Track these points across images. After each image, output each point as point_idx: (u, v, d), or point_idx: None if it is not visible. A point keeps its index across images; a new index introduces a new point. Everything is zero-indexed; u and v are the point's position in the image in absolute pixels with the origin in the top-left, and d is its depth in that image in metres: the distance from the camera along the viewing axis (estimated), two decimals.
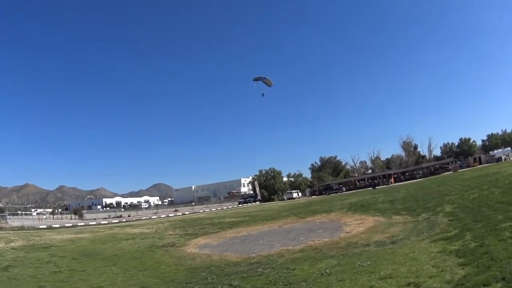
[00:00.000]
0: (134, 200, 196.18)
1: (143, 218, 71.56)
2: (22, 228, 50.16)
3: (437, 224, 18.78)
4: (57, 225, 56.41)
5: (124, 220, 68.04)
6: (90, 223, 61.15)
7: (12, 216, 77.31)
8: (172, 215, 76.77)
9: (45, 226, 53.62)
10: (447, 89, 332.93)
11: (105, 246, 27.24)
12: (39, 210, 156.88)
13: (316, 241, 19.44)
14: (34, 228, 49.86)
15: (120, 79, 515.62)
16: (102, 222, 62.26)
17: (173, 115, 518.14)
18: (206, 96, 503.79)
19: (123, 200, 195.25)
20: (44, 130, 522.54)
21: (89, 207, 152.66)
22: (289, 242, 20.39)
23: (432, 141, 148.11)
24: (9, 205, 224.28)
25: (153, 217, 73.50)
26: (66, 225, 58.01)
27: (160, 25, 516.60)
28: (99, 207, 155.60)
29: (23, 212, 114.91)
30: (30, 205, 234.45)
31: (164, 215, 75.92)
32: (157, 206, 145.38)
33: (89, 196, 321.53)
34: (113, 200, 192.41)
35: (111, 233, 37.42)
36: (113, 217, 78.93)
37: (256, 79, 35.91)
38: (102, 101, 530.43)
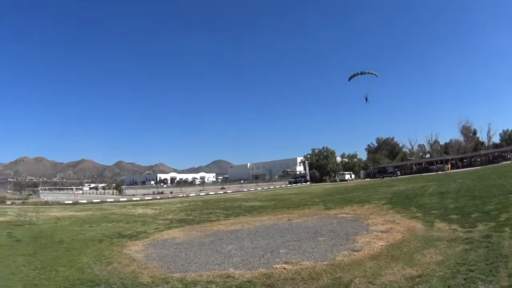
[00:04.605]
0: (190, 176, 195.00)
1: (180, 195, 67.41)
2: (46, 203, 49.95)
3: (502, 255, 10.07)
4: (84, 201, 53.81)
5: (158, 197, 64.35)
6: (121, 200, 58.44)
7: (46, 191, 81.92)
8: (212, 193, 72.88)
9: (70, 202, 51.59)
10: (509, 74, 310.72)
11: (78, 228, 23.73)
12: (92, 185, 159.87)
13: (291, 265, 11.62)
14: (57, 203, 49.75)
15: (185, 52, 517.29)
16: (134, 199, 59.93)
17: (237, 91, 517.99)
18: (271, 74, 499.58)
19: (178, 176, 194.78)
20: (103, 104, 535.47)
21: (143, 183, 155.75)
22: (256, 258, 12.99)
23: (491, 127, 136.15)
24: (64, 180, 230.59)
25: (191, 194, 69.49)
26: (94, 200, 55.11)
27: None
28: (152, 182, 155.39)
29: (75, 187, 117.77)
30: (86, 180, 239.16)
31: (204, 193, 71.83)
32: (211, 183, 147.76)
33: (147, 172, 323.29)
34: (168, 176, 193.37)
35: (112, 212, 34.68)
36: (155, 193, 76.22)
37: (353, 76, 33.22)
38: (166, 76, 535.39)
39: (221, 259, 13.22)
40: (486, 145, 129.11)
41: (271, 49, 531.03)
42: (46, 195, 67.53)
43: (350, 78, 34.92)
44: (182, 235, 19.93)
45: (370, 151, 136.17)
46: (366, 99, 35.51)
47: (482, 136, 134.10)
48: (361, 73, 33.64)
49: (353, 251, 12.75)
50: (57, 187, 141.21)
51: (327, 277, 9.97)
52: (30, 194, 71.73)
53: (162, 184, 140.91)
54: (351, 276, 9.77)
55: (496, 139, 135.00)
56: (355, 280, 9.44)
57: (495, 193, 24.04)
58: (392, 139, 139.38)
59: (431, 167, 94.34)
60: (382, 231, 16.00)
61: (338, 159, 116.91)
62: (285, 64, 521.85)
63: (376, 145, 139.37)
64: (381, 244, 13.43)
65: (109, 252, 15.76)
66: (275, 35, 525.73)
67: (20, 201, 52.02)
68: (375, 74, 35.32)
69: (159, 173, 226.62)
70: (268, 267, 11.58)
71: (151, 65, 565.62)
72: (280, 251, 13.79)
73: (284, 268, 11.19)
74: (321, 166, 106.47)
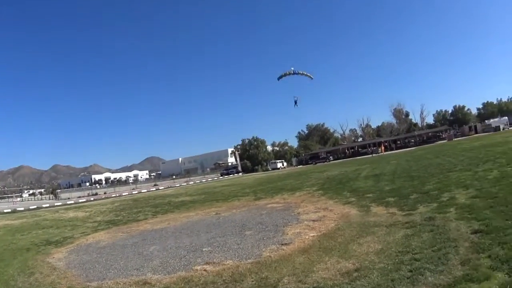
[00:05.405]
0: (124, 175, 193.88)
1: (113, 195, 67.21)
2: None
3: (450, 239, 9.17)
4: (22, 208, 52.81)
5: (92, 199, 63.52)
6: (56, 204, 57.07)
7: None
8: (145, 190, 72.64)
9: (9, 210, 50.20)
10: (440, 56, 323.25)
11: (11, 238, 23.39)
12: (31, 191, 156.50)
13: (213, 265, 10.78)
14: None
15: (111, 54, 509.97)
16: (68, 202, 58.38)
17: (164, 85, 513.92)
18: (196, 66, 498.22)
19: (112, 176, 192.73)
20: (36, 108, 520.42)
21: (79, 185, 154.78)
22: (177, 259, 12.20)
23: (424, 108, 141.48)
24: (5, 188, 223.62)
25: (124, 194, 69.02)
26: (30, 207, 53.32)
27: None
28: (87, 184, 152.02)
29: (14, 195, 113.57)
30: (26, 187, 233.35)
31: (137, 192, 72.14)
32: (144, 180, 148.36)
33: (82, 174, 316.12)
34: (102, 177, 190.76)
35: (45, 218, 33.37)
36: (90, 195, 75.44)
37: (284, 76, 32.00)
38: (90, 76, 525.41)
39: (141, 262, 12.64)
40: (420, 126, 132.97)
41: (194, 37, 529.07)
42: None
43: (280, 77, 33.87)
44: (107, 237, 19.59)
45: (301, 138, 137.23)
46: (296, 102, 34.70)
47: (415, 118, 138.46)
48: (294, 73, 32.66)
49: (282, 244, 11.86)
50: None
51: (252, 278, 9.10)
52: None
53: (96, 185, 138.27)
54: (279, 275, 8.91)
55: (430, 120, 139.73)
56: (283, 279, 8.60)
57: (433, 172, 23.68)
58: (323, 125, 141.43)
59: (363, 150, 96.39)
60: (313, 220, 15.15)
61: (269, 148, 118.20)
62: (209, 55, 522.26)
63: (307, 131, 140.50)
64: (312, 234, 12.51)
65: (33, 261, 15.39)
66: (196, 22, 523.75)
67: None
68: (310, 77, 34.45)
69: (94, 174, 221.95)
70: (188, 269, 10.81)
71: (82, 65, 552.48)
72: (203, 249, 13.10)
73: (204, 270, 10.39)
74: (252, 156, 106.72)
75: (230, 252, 12.07)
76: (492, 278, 6.49)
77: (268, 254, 10.94)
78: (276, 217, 17.45)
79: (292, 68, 33.87)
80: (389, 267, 8.02)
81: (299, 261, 9.69)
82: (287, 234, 13.26)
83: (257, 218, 18.09)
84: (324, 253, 10.05)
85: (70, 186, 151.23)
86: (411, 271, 7.57)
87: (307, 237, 12.26)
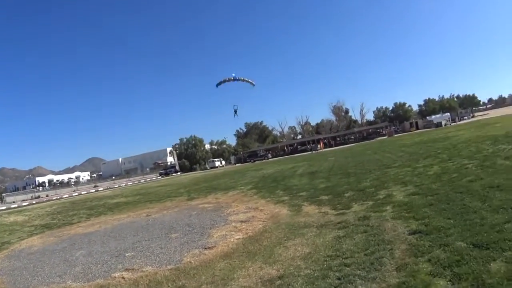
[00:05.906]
0: (66, 177, 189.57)
1: (54, 198, 67.34)
2: None
3: (385, 241, 8.51)
4: None
5: (34, 202, 62.71)
6: (1, 208, 56.22)
7: None
8: (85, 192, 72.61)
9: None
10: (381, 53, 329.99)
11: None
12: None
13: (132, 272, 10.26)
14: None
15: (48, 49, 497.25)
16: (12, 206, 58.66)
17: (103, 84, 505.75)
18: (134, 62, 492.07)
19: (55, 178, 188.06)
20: None
21: (24, 188, 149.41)
22: (99, 265, 11.83)
23: (364, 105, 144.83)
24: None
25: (65, 196, 68.97)
26: None
27: None
28: (32, 186, 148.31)
29: None
30: None
31: (77, 193, 71.80)
32: (86, 182, 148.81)
33: (27, 176, 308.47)
34: (45, 179, 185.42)
35: None
36: (33, 198, 76.97)
37: (223, 82, 31.67)
38: (30, 77, 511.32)
39: (64, 269, 12.32)
40: (360, 122, 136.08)
41: (133, 34, 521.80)
42: None
43: (218, 84, 32.78)
44: (39, 242, 19.20)
45: (240, 136, 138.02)
46: (235, 111, 33.69)
47: (355, 115, 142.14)
48: (234, 80, 31.65)
49: (205, 248, 11.20)
50: None
51: (168, 286, 8.65)
52: None
53: (39, 188, 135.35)
54: (196, 284, 8.40)
55: (370, 117, 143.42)
56: None
57: (370, 168, 23.46)
58: (261, 123, 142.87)
59: (302, 147, 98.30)
60: (242, 221, 14.49)
61: (207, 146, 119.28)
62: (146, 53, 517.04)
63: (245, 130, 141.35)
64: (238, 237, 11.82)
65: None
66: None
67: None
68: (251, 83, 33.59)
69: (38, 176, 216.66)
70: (106, 276, 10.42)
71: (20, 65, 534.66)
72: (126, 254, 12.73)
73: (122, 277, 10.00)
74: (191, 155, 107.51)
75: (152, 257, 11.60)
76: (432, 286, 5.86)
77: (189, 259, 10.30)
78: (205, 218, 16.87)
79: (233, 75, 33.00)
80: (315, 274, 7.30)
81: (219, 267, 9.03)
82: (213, 237, 12.60)
83: (185, 220, 17.56)
84: (247, 258, 9.36)
85: (15, 189, 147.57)
86: (339, 278, 6.86)
87: (232, 240, 11.57)
